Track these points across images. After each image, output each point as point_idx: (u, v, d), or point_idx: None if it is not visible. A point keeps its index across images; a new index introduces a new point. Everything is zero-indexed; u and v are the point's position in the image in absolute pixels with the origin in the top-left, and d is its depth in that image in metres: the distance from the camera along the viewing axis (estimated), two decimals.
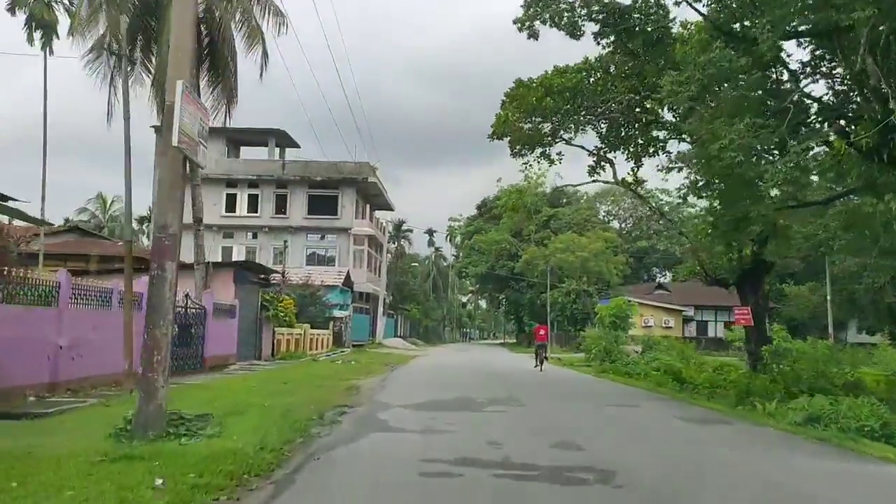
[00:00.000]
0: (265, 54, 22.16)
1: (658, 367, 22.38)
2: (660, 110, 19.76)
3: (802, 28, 14.36)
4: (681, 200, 18.09)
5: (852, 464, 8.02)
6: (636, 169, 21.61)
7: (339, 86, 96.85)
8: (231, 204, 44.19)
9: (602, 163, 21.39)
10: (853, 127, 13.64)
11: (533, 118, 20.00)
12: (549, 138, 20.73)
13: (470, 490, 6.18)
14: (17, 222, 24.47)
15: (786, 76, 15.49)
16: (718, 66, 11.50)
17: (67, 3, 23.84)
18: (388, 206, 53.46)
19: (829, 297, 36.54)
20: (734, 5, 14.13)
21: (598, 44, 17.94)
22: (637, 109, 19.88)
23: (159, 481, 5.58)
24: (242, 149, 47.64)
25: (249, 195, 44.53)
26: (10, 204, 12.93)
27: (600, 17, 17.41)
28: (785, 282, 45.41)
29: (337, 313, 38.24)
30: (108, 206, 53.04)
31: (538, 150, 20.98)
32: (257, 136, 45.52)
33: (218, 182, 43.07)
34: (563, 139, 21.02)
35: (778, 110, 12.98)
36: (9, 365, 10.38)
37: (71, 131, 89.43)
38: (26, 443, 7.12)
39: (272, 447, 7.29)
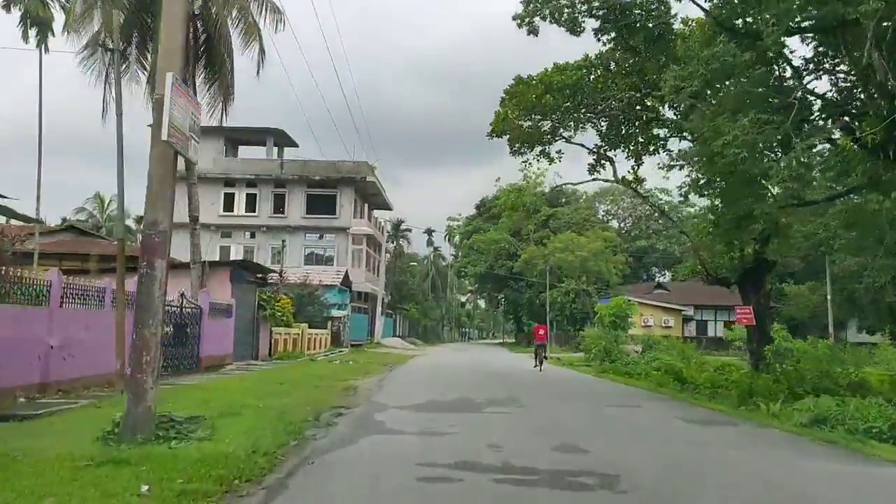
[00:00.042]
0: (262, 51, 21.99)
1: (658, 367, 22.18)
2: (660, 108, 19.60)
3: (806, 24, 14.19)
4: (682, 198, 17.89)
5: (861, 466, 7.82)
6: (636, 167, 21.43)
7: (338, 85, 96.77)
8: (229, 203, 43.96)
9: (602, 161, 21.22)
10: (857, 123, 13.45)
11: (532, 116, 19.83)
12: (549, 136, 20.57)
13: (469, 496, 5.96)
14: (13, 222, 24.28)
15: (788, 73, 15.30)
16: (722, 60, 11.30)
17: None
18: (386, 206, 53.25)
19: (829, 297, 36.36)
20: (736, 0, 13.93)
21: (599, 40, 17.77)
22: (637, 107, 19.72)
23: (145, 487, 5.36)
24: (241, 148, 47.40)
25: (247, 194, 44.31)
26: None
27: (601, 13, 17.23)
28: (784, 281, 45.23)
29: (335, 313, 38.04)
30: (105, 205, 52.80)
31: (538, 149, 20.83)
32: (255, 136, 45.31)
33: (216, 181, 42.88)
34: (563, 137, 20.86)
35: (782, 106, 12.80)
36: None
37: (71, 131, 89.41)
38: (11, 446, 6.89)
39: (265, 451, 7.07)
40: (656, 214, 62.49)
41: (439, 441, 8.61)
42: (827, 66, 15.55)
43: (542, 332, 27.61)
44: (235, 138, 45.35)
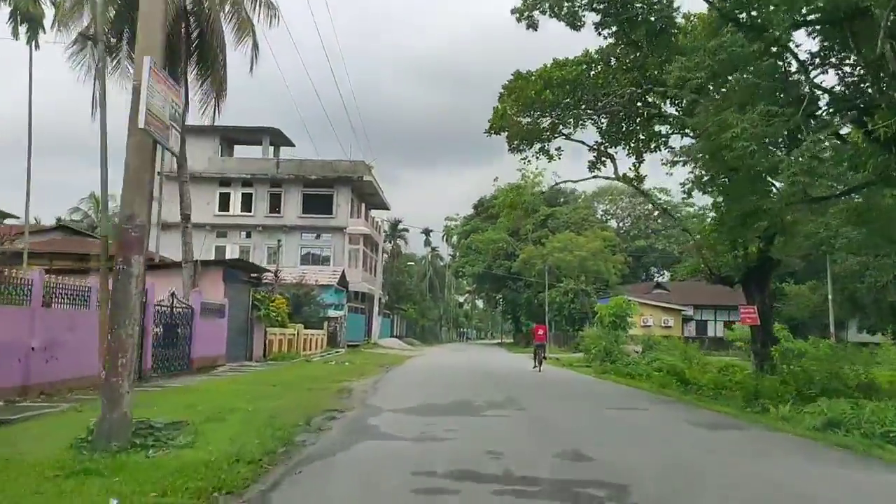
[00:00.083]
0: (256, 47, 21.60)
1: (660, 368, 21.76)
2: (662, 104, 19.20)
3: (812, 17, 13.80)
4: (685, 195, 17.49)
5: (887, 474, 7.40)
6: (637, 165, 21.01)
7: (335, 85, 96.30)
8: (224, 203, 43.49)
9: (603, 158, 20.77)
10: (866, 118, 13.05)
11: (532, 112, 19.37)
12: (548, 133, 20.11)
13: None
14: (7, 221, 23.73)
15: (794, 67, 14.90)
16: (730, 51, 10.87)
17: None
18: (383, 206, 52.80)
19: (830, 296, 36.00)
20: None
21: (600, 34, 17.36)
22: (639, 103, 19.28)
23: (114, 502, 4.92)
24: (236, 147, 46.97)
25: (243, 194, 43.86)
26: None
27: (601, 6, 16.84)
28: (785, 281, 44.90)
29: (332, 313, 37.61)
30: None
31: (537, 146, 20.37)
32: (251, 135, 44.87)
33: (211, 181, 42.46)
34: (563, 134, 20.40)
35: (789, 100, 12.41)
36: None
37: (72, 131, 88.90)
38: None
39: (250, 459, 6.64)
40: (656, 213, 62.19)
41: (436, 447, 8.18)
42: (834, 60, 15.19)
43: (541, 332, 27.20)
44: (231, 137, 44.91)
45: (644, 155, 20.65)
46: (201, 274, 21.16)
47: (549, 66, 18.84)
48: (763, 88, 11.72)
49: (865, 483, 7.06)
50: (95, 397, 11.42)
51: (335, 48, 65.79)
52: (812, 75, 14.62)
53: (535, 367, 25.26)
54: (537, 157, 20.59)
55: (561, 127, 20.05)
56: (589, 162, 20.85)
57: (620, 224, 73.28)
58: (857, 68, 14.39)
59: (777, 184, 14.52)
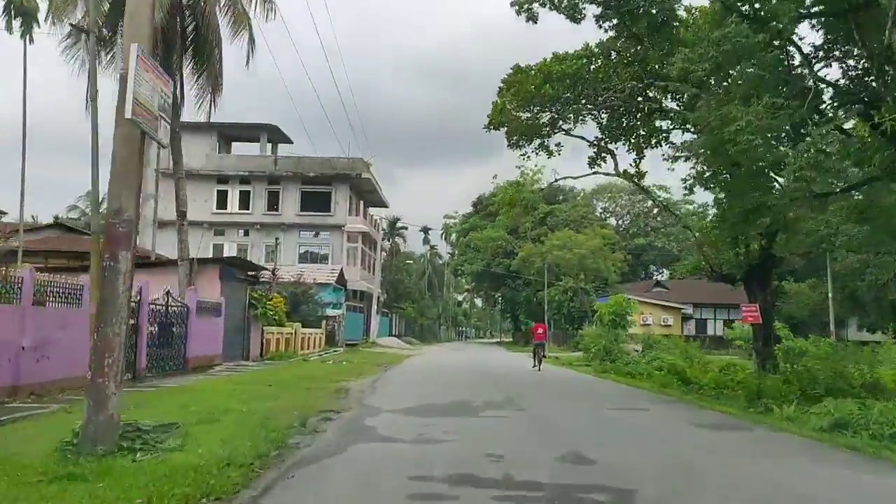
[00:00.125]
0: (252, 41, 21.33)
1: (660, 367, 21.54)
2: (663, 99, 18.96)
3: (816, 9, 13.56)
4: (687, 191, 17.23)
5: (892, 477, 7.19)
6: (638, 161, 20.77)
7: (333, 83, 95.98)
8: (222, 200, 43.21)
9: (603, 154, 20.53)
10: (872, 111, 12.82)
11: (531, 107, 19.13)
12: (548, 128, 19.87)
13: None
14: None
15: (797, 60, 14.68)
16: (734, 41, 10.63)
17: None
18: (382, 203, 52.55)
19: (830, 295, 35.82)
20: None
21: (600, 27, 17.05)
22: (639, 98, 19.03)
23: None
24: (234, 144, 46.70)
25: (241, 191, 43.59)
26: None
27: None
28: (784, 279, 44.74)
29: (330, 312, 37.37)
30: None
31: (536, 141, 20.13)
32: (249, 132, 44.60)
33: (208, 178, 42.18)
34: (563, 130, 20.16)
35: (793, 94, 12.18)
36: None
37: (73, 130, 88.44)
38: None
39: (241, 462, 6.41)
40: (655, 211, 61.98)
41: (434, 450, 7.95)
42: (837, 53, 14.96)
43: (540, 330, 27.02)
44: (228, 134, 44.65)
45: (645, 151, 20.42)
46: (197, 272, 20.91)
47: (548, 60, 18.60)
48: (767, 81, 11.48)
49: (875, 485, 6.86)
50: None
51: (334, 47, 65.48)
52: (815, 69, 14.43)
53: (534, 366, 25.07)
54: (537, 153, 20.35)
55: (561, 122, 19.81)
56: (589, 158, 20.62)
57: (620, 222, 73.10)
58: (862, 61, 14.18)
59: (780, 179, 14.32)
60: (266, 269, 28.85)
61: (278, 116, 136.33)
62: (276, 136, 44.73)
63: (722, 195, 17.06)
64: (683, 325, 51.34)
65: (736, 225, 15.83)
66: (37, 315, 11.70)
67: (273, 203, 43.40)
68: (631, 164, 20.87)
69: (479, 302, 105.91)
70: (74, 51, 20.59)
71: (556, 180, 25.46)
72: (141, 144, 6.62)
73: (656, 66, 17.50)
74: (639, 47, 17.64)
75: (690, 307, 52.08)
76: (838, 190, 13.57)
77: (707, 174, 16.04)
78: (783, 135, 13.72)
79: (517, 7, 16.53)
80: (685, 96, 17.12)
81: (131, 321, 14.93)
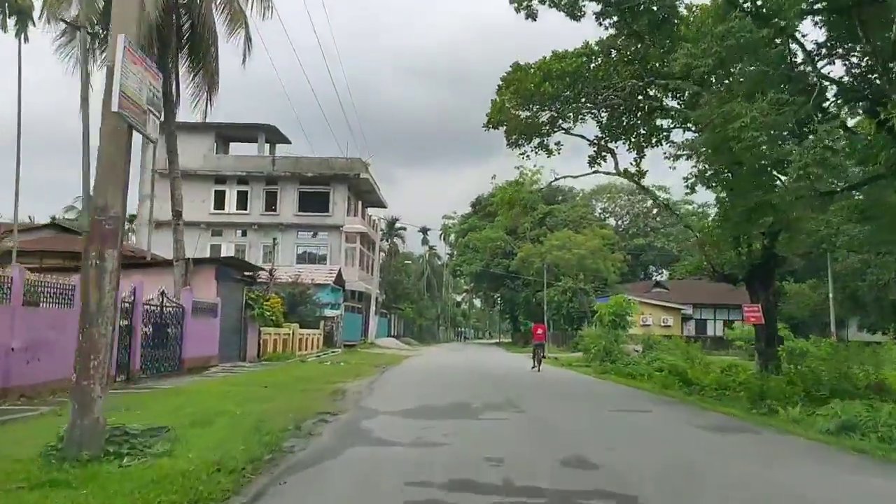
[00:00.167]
0: (248, 39, 21.16)
1: (661, 368, 21.33)
2: (664, 97, 18.77)
3: (819, 5, 13.38)
4: (688, 190, 17.02)
5: None
6: (639, 160, 20.56)
7: (331, 83, 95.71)
8: (220, 201, 43.00)
9: (603, 153, 20.33)
10: (878, 108, 12.63)
11: (531, 105, 18.92)
12: (548, 127, 19.66)
13: None
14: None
15: (800, 58, 14.50)
16: (738, 36, 10.43)
17: None
18: (380, 204, 52.34)
19: (831, 295, 35.65)
20: None
21: (601, 24, 16.85)
22: (640, 96, 18.84)
23: None
24: (231, 145, 46.48)
25: (238, 192, 43.38)
26: None
27: None
28: (785, 279, 44.59)
29: (328, 312, 37.14)
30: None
31: (536, 140, 19.92)
32: (247, 132, 44.39)
33: (206, 178, 41.99)
34: (562, 128, 19.95)
35: (797, 91, 11.99)
36: None
37: (69, 129, 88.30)
38: None
39: (232, 468, 6.19)
40: (655, 211, 61.78)
41: (432, 453, 7.74)
42: (841, 50, 14.78)
43: (540, 331, 26.84)
44: (226, 135, 44.44)
45: (645, 150, 20.22)
46: (193, 272, 20.70)
47: (548, 58, 18.40)
48: (771, 78, 11.28)
49: (886, 489, 6.66)
50: None
51: (332, 47, 65.43)
52: (819, 66, 14.24)
53: (533, 366, 24.87)
54: (536, 152, 20.14)
55: (560, 121, 19.60)
56: (589, 157, 20.42)
57: (619, 222, 72.88)
58: (865, 58, 14.00)
59: (782, 178, 14.13)
60: (263, 269, 28.63)
61: (276, 116, 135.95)
62: (274, 136, 44.53)
63: (724, 194, 16.87)
64: (683, 326, 51.14)
65: (738, 224, 15.64)
66: (27, 315, 11.48)
67: (271, 203, 43.19)
68: (631, 164, 20.68)
69: (477, 302, 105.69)
70: (69, 49, 20.41)
71: (556, 179, 25.28)
72: (128, 139, 6.41)
73: (657, 65, 17.30)
74: (639, 45, 17.44)
75: (690, 307, 51.88)
76: (835, 190, 13.38)
77: (709, 173, 15.85)
78: (786, 132, 13.55)
79: (516, 4, 16.33)
80: (686, 94, 16.91)
81: (125, 322, 14.73)
